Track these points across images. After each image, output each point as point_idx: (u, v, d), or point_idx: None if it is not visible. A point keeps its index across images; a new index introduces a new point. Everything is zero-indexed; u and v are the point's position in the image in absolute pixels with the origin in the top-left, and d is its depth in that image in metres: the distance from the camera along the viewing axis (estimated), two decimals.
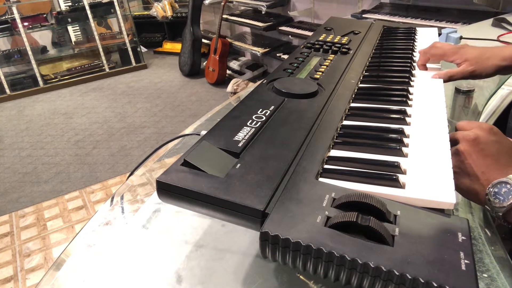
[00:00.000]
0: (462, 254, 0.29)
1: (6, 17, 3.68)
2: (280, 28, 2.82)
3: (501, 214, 0.39)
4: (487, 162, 0.42)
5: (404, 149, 0.43)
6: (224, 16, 3.29)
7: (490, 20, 1.35)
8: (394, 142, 0.45)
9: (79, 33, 4.18)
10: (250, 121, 0.48)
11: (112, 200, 0.60)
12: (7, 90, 3.49)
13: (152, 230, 0.51)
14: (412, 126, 0.49)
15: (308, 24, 2.75)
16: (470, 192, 0.43)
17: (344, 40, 0.81)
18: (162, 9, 4.25)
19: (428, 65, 0.72)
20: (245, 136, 0.45)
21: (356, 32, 0.88)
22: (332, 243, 0.30)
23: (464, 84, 0.86)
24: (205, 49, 3.93)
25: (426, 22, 1.83)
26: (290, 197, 0.35)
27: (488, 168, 0.41)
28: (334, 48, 0.76)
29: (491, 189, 0.40)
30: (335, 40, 0.81)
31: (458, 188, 0.43)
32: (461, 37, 1.12)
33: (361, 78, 0.66)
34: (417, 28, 0.96)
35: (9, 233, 1.90)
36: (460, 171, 0.43)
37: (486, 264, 0.42)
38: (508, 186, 0.38)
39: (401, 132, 0.47)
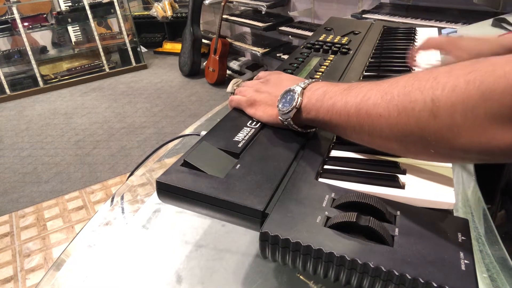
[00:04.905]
0: (462, 254, 0.29)
1: (6, 17, 3.68)
2: (280, 28, 2.82)
3: (291, 119, 0.43)
4: (277, 88, 0.49)
5: None
6: (224, 16, 3.29)
7: (490, 20, 1.35)
8: None
9: (79, 33, 4.17)
10: (250, 121, 0.48)
11: (112, 200, 0.60)
12: (7, 90, 3.49)
13: (152, 230, 0.51)
14: None
15: (308, 24, 2.75)
16: (270, 115, 0.47)
17: (344, 40, 0.81)
18: (162, 9, 4.24)
19: (425, 63, 0.71)
20: (245, 136, 0.45)
21: (356, 32, 0.88)
22: (332, 243, 0.30)
23: None
24: (205, 49, 3.92)
25: (426, 22, 1.83)
26: (290, 197, 0.35)
27: (280, 91, 0.46)
28: (334, 48, 0.76)
29: (279, 100, 0.45)
30: (335, 40, 0.81)
31: (260, 118, 0.49)
32: None
33: (361, 78, 0.66)
34: (417, 28, 0.96)
35: (9, 233, 1.90)
36: (258, 103, 0.49)
37: (486, 264, 0.42)
38: (291, 93, 0.44)
39: None
